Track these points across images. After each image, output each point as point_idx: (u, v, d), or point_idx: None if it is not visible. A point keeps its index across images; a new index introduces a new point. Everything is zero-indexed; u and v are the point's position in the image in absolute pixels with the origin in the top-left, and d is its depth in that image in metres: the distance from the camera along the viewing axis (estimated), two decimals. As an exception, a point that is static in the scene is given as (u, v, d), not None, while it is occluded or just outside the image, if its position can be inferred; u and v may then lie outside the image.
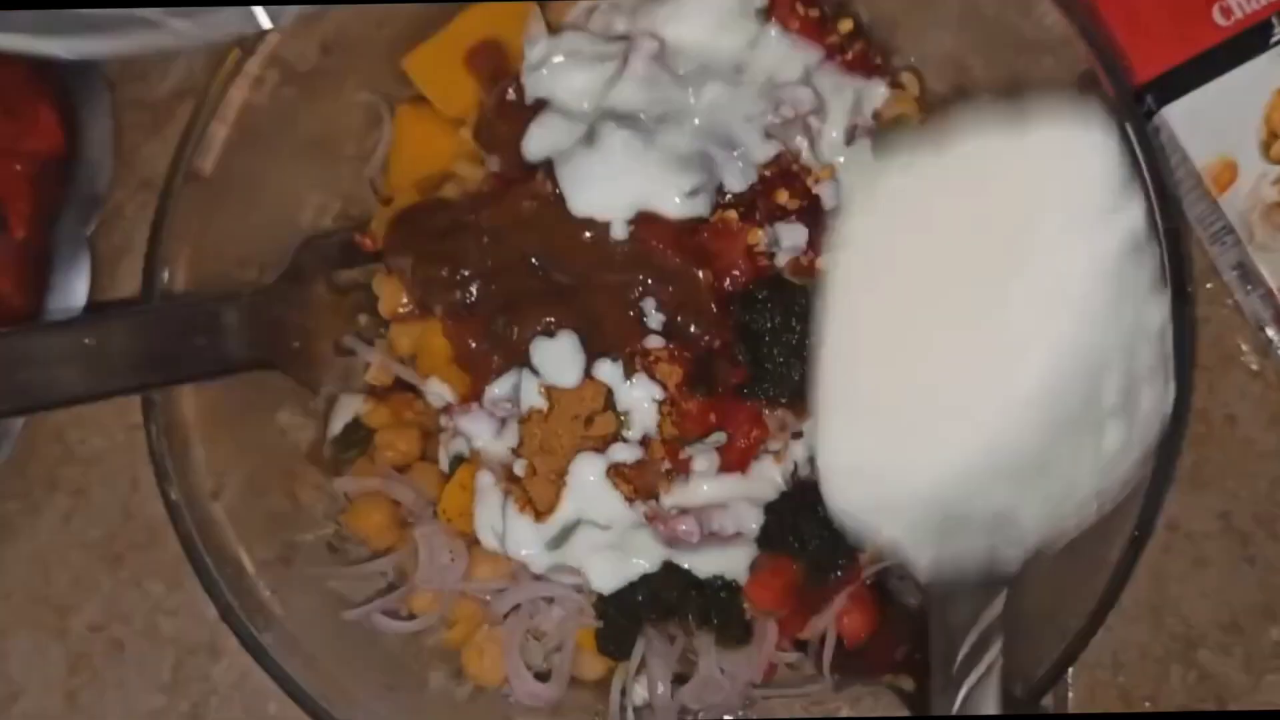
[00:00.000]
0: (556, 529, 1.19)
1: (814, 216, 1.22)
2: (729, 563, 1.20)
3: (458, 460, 1.26)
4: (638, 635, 1.23)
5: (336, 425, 1.32)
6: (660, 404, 1.17)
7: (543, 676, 1.27)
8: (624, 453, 1.17)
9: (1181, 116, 1.34)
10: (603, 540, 1.19)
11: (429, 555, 1.24)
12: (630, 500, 1.18)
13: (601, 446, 1.18)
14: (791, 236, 1.20)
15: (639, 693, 1.25)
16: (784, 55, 1.25)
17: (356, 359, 1.30)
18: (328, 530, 1.29)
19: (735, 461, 1.20)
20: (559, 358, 1.18)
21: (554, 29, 1.28)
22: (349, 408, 1.32)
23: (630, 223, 1.19)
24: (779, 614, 1.23)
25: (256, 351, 1.23)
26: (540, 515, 1.19)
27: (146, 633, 1.43)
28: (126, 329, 1.17)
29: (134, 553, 1.44)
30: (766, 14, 1.25)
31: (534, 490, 1.19)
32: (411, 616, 1.27)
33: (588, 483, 1.18)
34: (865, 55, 1.28)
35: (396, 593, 1.25)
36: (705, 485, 1.20)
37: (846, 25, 1.28)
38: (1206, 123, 1.34)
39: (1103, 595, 1.14)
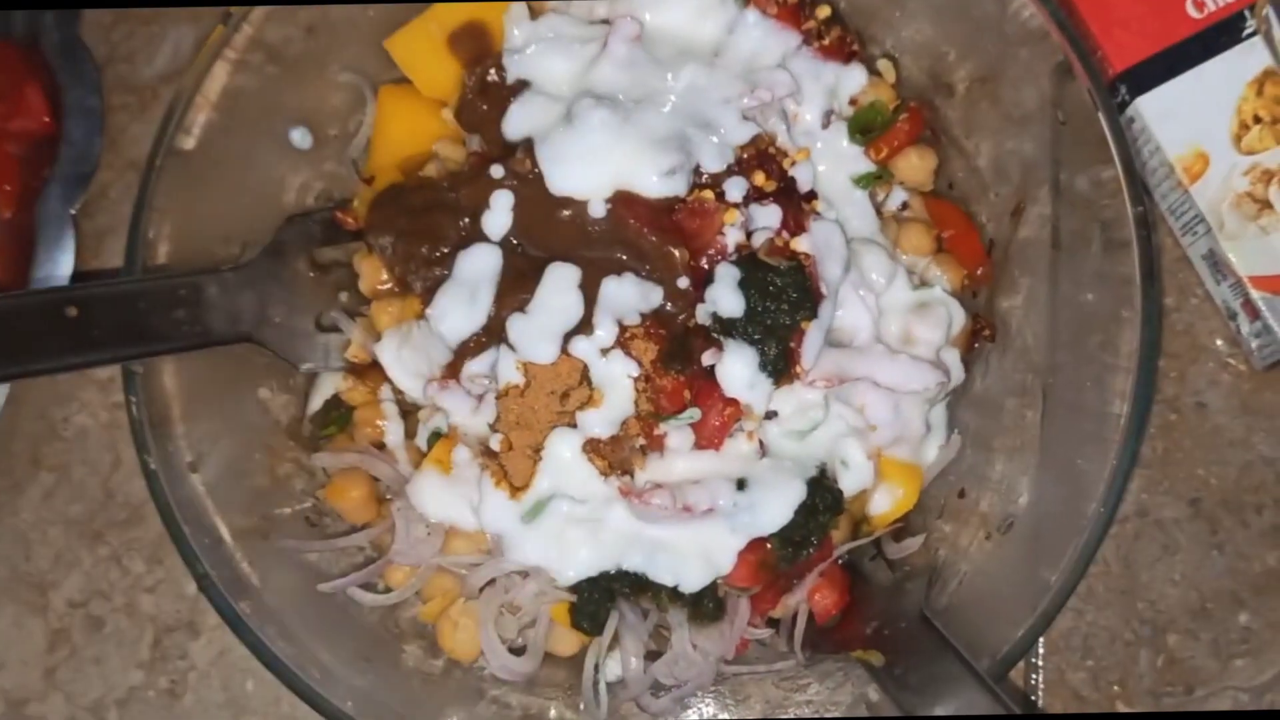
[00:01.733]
0: (531, 503, 1.20)
1: (789, 198, 1.23)
2: (703, 538, 1.21)
3: (435, 436, 1.27)
4: (611, 610, 1.23)
5: (316, 402, 1.34)
6: (636, 380, 1.18)
7: (517, 652, 1.28)
8: (599, 426, 1.18)
9: (1154, 108, 1.36)
10: (577, 514, 1.20)
11: (405, 529, 1.25)
12: (605, 475, 1.19)
13: (577, 421, 1.19)
14: (766, 217, 1.21)
15: (612, 668, 1.26)
16: (762, 40, 1.27)
17: (337, 336, 1.31)
18: (306, 505, 1.30)
19: (709, 439, 1.21)
20: (536, 333, 1.19)
21: (536, 12, 1.29)
22: (329, 385, 1.33)
23: (608, 201, 1.20)
24: (752, 590, 1.24)
25: (238, 325, 1.24)
26: (516, 490, 1.20)
27: (126, 610, 1.45)
28: (109, 300, 1.18)
29: (115, 530, 1.45)
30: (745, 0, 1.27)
31: (510, 465, 1.20)
32: (388, 590, 1.28)
33: (563, 458, 1.19)
34: (842, 42, 1.30)
35: (372, 566, 1.26)
36: (680, 462, 1.21)
37: (824, 11, 1.30)
38: (1179, 114, 1.36)
39: (1067, 578, 1.15)
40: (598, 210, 1.20)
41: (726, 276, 1.20)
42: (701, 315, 1.20)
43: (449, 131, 1.31)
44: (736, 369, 1.19)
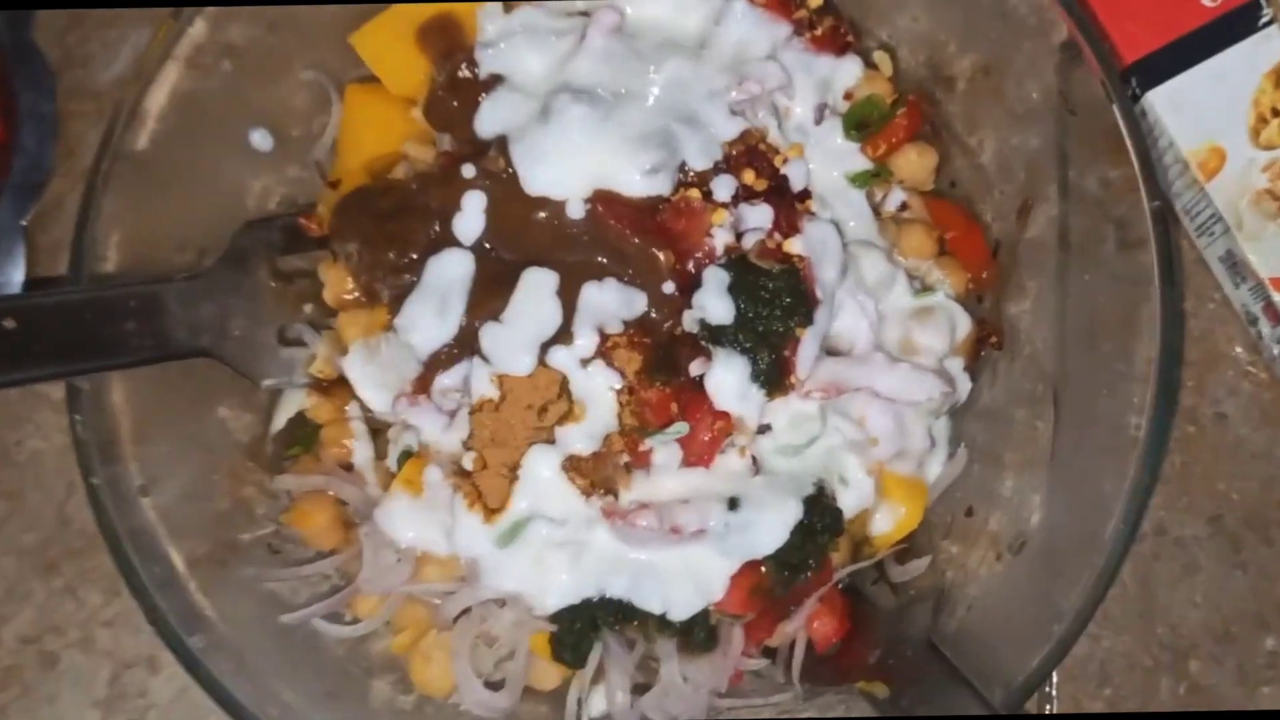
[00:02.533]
0: (507, 525, 1.12)
1: (781, 197, 1.16)
2: (692, 561, 1.13)
3: (406, 456, 1.19)
4: (594, 641, 1.15)
5: (279, 421, 1.26)
6: (619, 392, 1.10)
7: (495, 686, 1.19)
8: (579, 442, 1.11)
9: (1167, 101, 1.29)
10: (557, 537, 1.12)
11: (373, 555, 1.17)
12: (586, 495, 1.11)
13: (555, 437, 1.11)
14: (757, 218, 1.14)
15: (596, 703, 1.18)
16: (750, 30, 1.20)
17: (301, 350, 1.23)
18: (268, 530, 1.22)
19: (698, 455, 1.13)
20: (511, 344, 1.11)
21: (510, 4, 1.21)
22: (293, 402, 1.25)
23: (587, 201, 1.12)
24: (745, 617, 1.17)
25: (194, 338, 1.16)
26: (490, 512, 1.12)
27: (81, 645, 1.36)
28: (51, 311, 1.10)
29: (70, 560, 1.37)
30: (733, -11, 1.19)
31: (484, 485, 1.12)
32: (355, 621, 1.20)
33: (541, 477, 1.12)
34: (835, 32, 1.23)
35: (339, 595, 1.18)
36: (667, 480, 1.13)
37: (815, 0, 1.22)
38: (1193, 108, 1.29)
39: (1084, 602, 1.07)
40: (576, 211, 1.13)
41: (715, 281, 1.12)
42: (688, 322, 1.12)
43: (418, 131, 1.23)
44: (726, 380, 1.11)
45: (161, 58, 1.14)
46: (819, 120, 1.21)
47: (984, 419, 1.25)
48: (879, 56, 1.26)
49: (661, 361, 1.11)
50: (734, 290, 1.12)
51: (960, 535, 1.22)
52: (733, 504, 1.13)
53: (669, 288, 1.12)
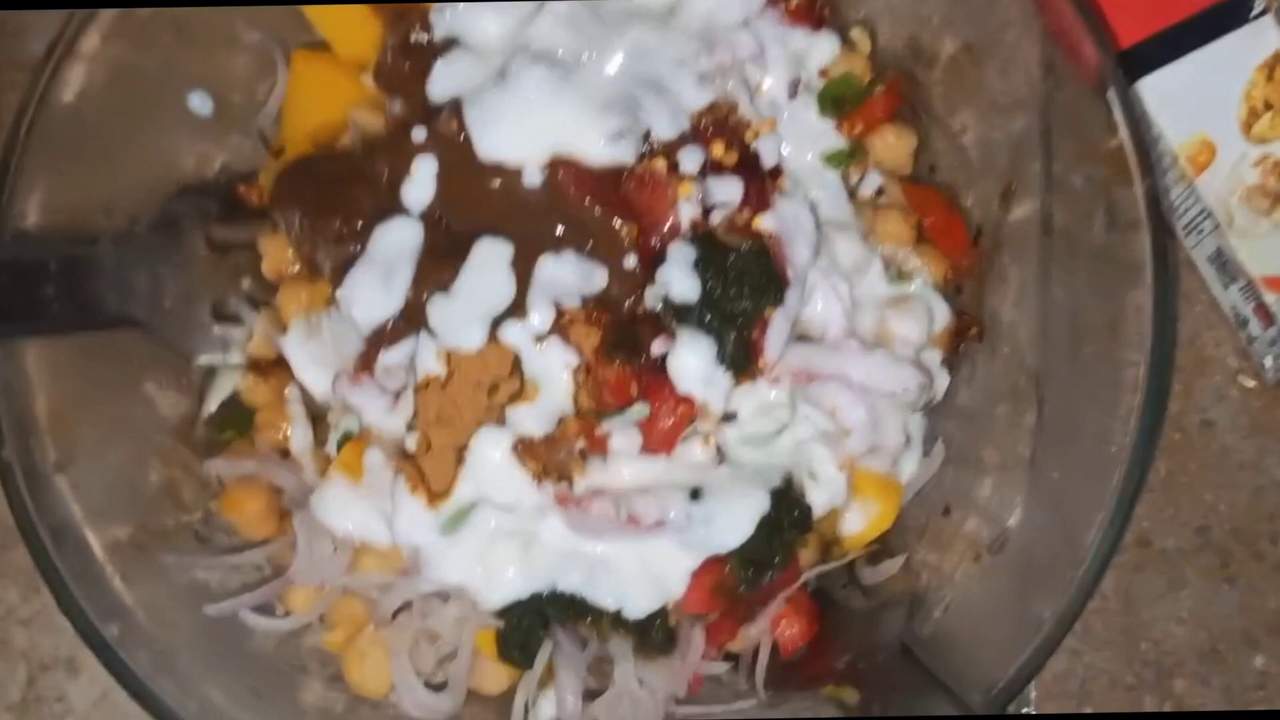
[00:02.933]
0: (452, 511, 1.04)
1: (751, 172, 1.09)
2: (650, 556, 1.05)
3: (346, 440, 1.11)
4: (544, 639, 1.07)
5: (212, 403, 1.18)
6: (575, 371, 1.03)
7: (436, 688, 1.11)
8: (531, 422, 1.03)
9: (1155, 92, 1.23)
10: (505, 526, 1.04)
11: (308, 545, 1.09)
12: (538, 480, 1.04)
13: (506, 418, 1.03)
14: (726, 192, 1.07)
15: (545, 708, 1.10)
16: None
17: (237, 328, 1.15)
18: (195, 516, 1.14)
19: (659, 442, 1.06)
20: (460, 317, 1.03)
21: (469, -33, 1.15)
22: (227, 383, 1.17)
23: (545, 168, 1.05)
24: (707, 618, 1.09)
25: (120, 308, 1.09)
26: (434, 496, 1.04)
27: (-4, 644, 1.27)
28: None
29: (-14, 555, 1.28)
30: (705, -44, 1.13)
31: (429, 467, 1.05)
32: (286, 615, 1.11)
33: (490, 459, 1.04)
34: (811, 5, 1.16)
35: (269, 585, 1.10)
36: (625, 468, 1.06)
37: (792, -30, 1.16)
38: (1182, 99, 1.23)
39: (1066, 606, 1.00)
40: (533, 179, 1.06)
41: (680, 256, 1.05)
42: (651, 300, 1.05)
43: (367, 98, 1.16)
44: (690, 361, 1.04)
45: (96, 4, 1.07)
46: (793, 95, 1.15)
47: (962, 417, 1.18)
48: (857, 33, 1.20)
49: (621, 340, 1.04)
50: (700, 266, 1.05)
51: (936, 536, 1.15)
52: (695, 494, 1.06)
53: (631, 262, 1.05)
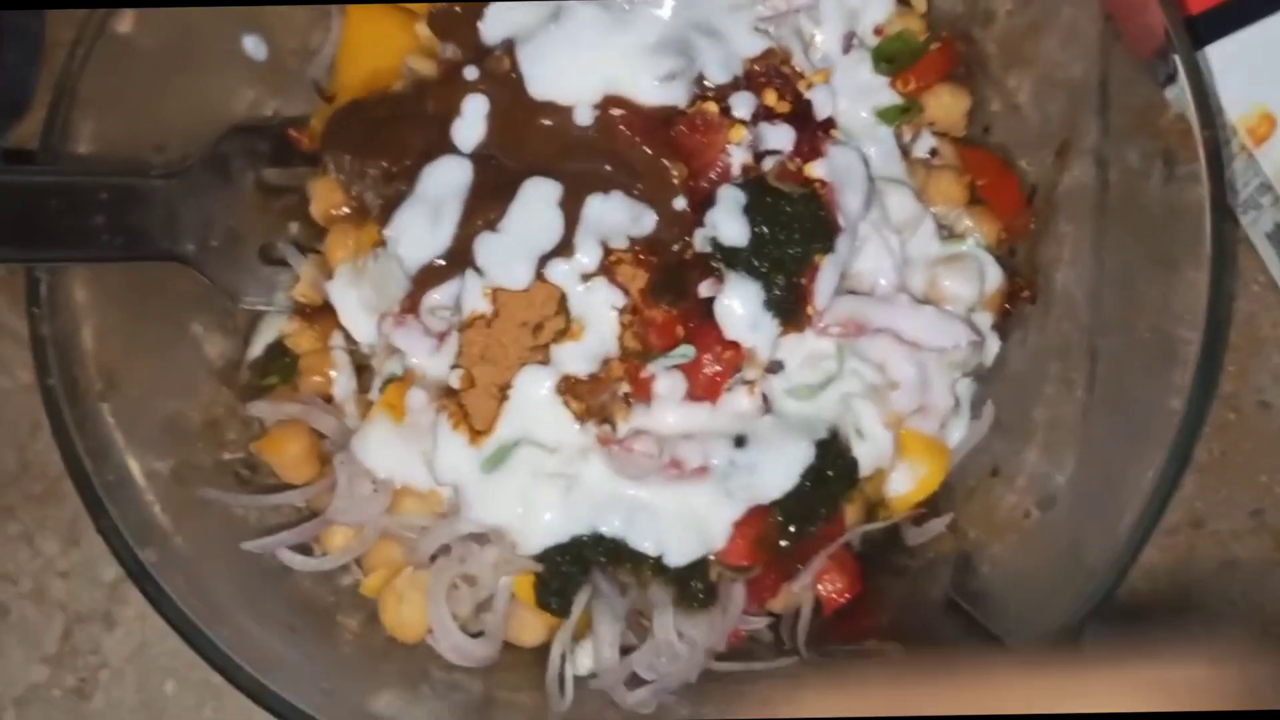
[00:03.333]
0: (494, 448, 1.03)
1: (804, 121, 1.08)
2: (692, 503, 1.03)
3: (390, 382, 1.10)
4: (582, 585, 1.06)
5: (257, 347, 1.17)
6: (620, 312, 1.02)
7: (474, 637, 1.09)
8: (576, 362, 1.02)
9: (1215, 63, 1.21)
10: (547, 466, 1.03)
11: (348, 485, 1.08)
12: (581, 420, 1.02)
13: (550, 357, 1.02)
14: (778, 139, 1.06)
15: (583, 660, 1.08)
16: (778, -54, 1.12)
17: (284, 272, 1.15)
18: (236, 456, 1.13)
19: (705, 389, 1.05)
20: (507, 255, 1.03)
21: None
22: (272, 328, 1.17)
23: (596, 107, 1.05)
24: (749, 572, 1.07)
25: (169, 243, 1.08)
26: (476, 434, 1.03)
27: (34, 596, 1.27)
28: (13, 191, 1.02)
29: (28, 506, 1.28)
30: (761, -96, 1.13)
31: (471, 404, 1.03)
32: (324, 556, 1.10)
33: (533, 397, 1.03)
34: (867, -41, 1.15)
35: (308, 524, 1.09)
36: (669, 414, 1.04)
37: (848, -75, 1.15)
38: (1242, 71, 1.21)
39: (1117, 554, 0.99)
40: (584, 118, 1.05)
41: (730, 200, 1.04)
42: (700, 242, 1.04)
43: (421, 47, 1.16)
44: (738, 305, 1.03)
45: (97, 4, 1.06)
46: (846, 50, 1.14)
47: (1013, 380, 1.16)
48: (914, -9, 1.19)
49: (669, 282, 1.03)
50: (750, 211, 1.04)
51: (985, 496, 1.13)
52: (739, 442, 1.04)
53: (680, 204, 1.04)
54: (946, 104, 1.17)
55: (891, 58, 1.15)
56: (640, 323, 1.03)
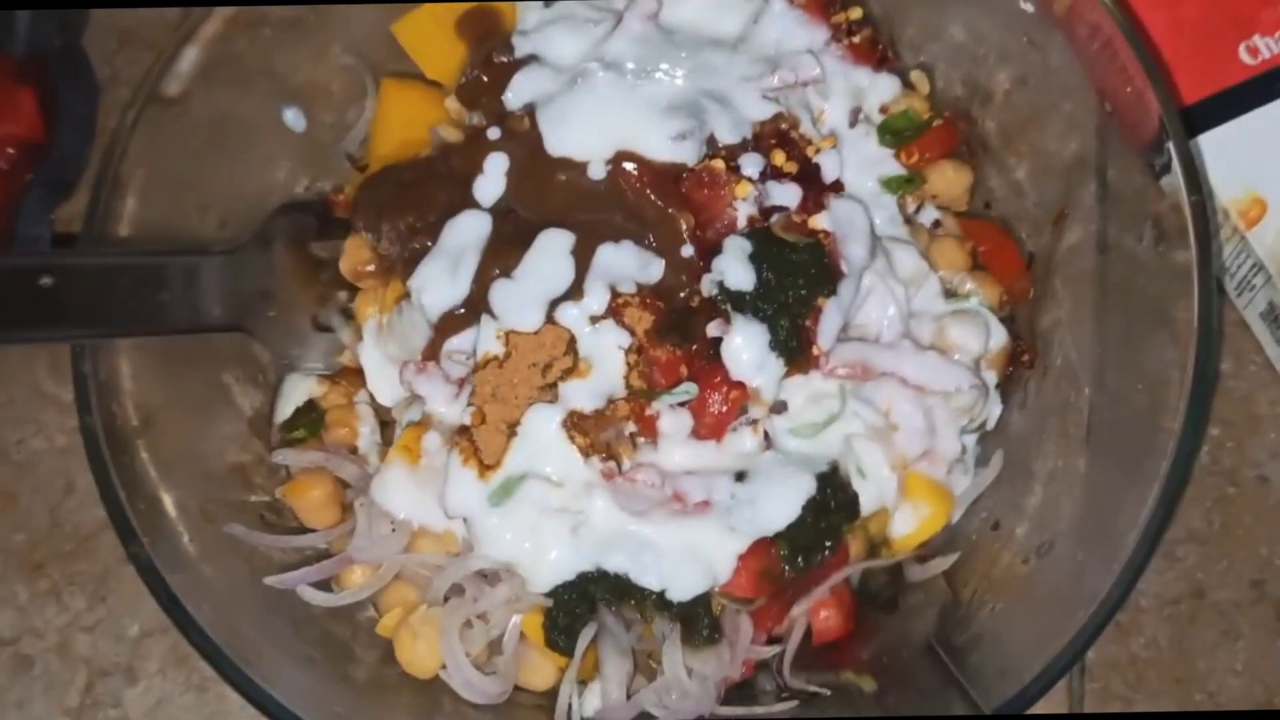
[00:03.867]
0: (501, 480, 1.07)
1: (810, 183, 1.14)
2: (696, 538, 1.07)
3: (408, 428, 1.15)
4: (589, 620, 1.09)
5: (285, 409, 1.22)
6: (627, 352, 1.07)
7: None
8: (583, 397, 1.06)
9: (1207, 151, 1.27)
10: (553, 501, 1.07)
11: (368, 525, 1.12)
12: (586, 455, 1.06)
13: (559, 395, 1.07)
14: (784, 196, 1.12)
15: (590, 701, 1.11)
16: (788, 30, 1.19)
17: (330, 337, 1.22)
18: (263, 499, 1.17)
19: (711, 428, 1.09)
20: (520, 299, 1.08)
21: (549, -1, 1.23)
22: (299, 388, 1.22)
23: (609, 162, 1.11)
24: (754, 604, 1.10)
25: (229, 315, 1.14)
26: (485, 469, 1.07)
27: (59, 650, 1.30)
28: (88, 273, 1.08)
29: (57, 563, 1.32)
30: (771, -11, 1.20)
31: (481, 440, 1.07)
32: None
33: (541, 432, 1.07)
34: (872, 44, 1.22)
35: (329, 561, 1.13)
36: (674, 452, 1.08)
37: (855, 12, 1.22)
38: (1234, 158, 1.27)
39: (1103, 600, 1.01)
40: (598, 172, 1.11)
41: (736, 248, 1.09)
42: (707, 286, 1.09)
43: (451, 118, 1.23)
44: (744, 345, 1.07)
45: (203, 17, 1.14)
46: (852, 124, 1.20)
47: (1014, 441, 1.19)
48: (916, 76, 1.26)
49: (674, 324, 1.08)
50: (756, 259, 1.09)
51: (985, 549, 1.16)
52: (740, 477, 1.08)
53: (688, 251, 1.09)
54: (950, 179, 1.23)
55: (896, 132, 1.21)
56: (645, 361, 1.07)
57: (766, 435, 1.10)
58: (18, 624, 1.30)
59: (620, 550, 1.08)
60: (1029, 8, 1.17)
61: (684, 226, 1.09)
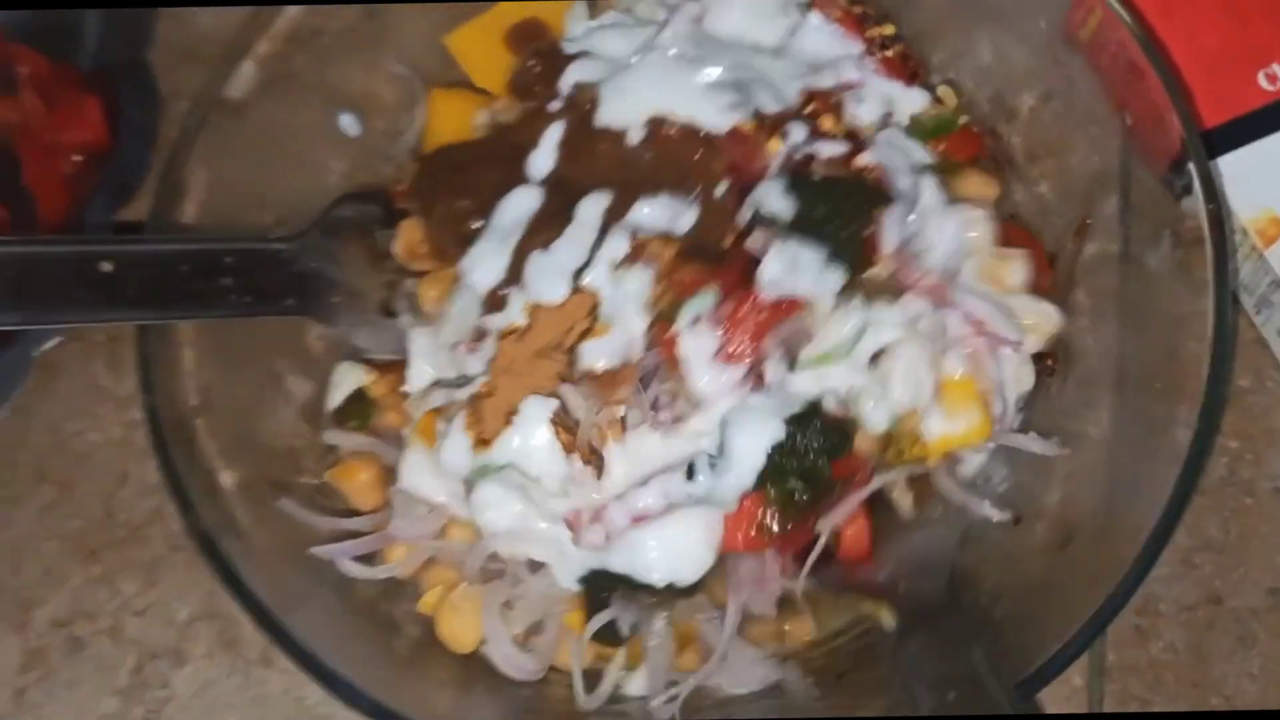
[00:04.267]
0: (483, 463, 1.11)
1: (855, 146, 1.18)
2: (675, 531, 1.09)
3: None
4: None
5: (336, 397, 1.26)
6: (653, 276, 1.10)
7: (523, 653, 1.17)
8: (600, 354, 1.09)
9: (1227, 171, 1.31)
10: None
11: (404, 508, 1.17)
12: (567, 452, 1.09)
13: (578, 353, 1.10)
14: (830, 149, 1.16)
15: (635, 682, 1.15)
16: (824, 42, 1.24)
17: (394, 324, 1.25)
18: (312, 482, 1.22)
19: (742, 337, 1.09)
20: (550, 271, 1.12)
21: (597, 11, 1.30)
22: (349, 377, 1.26)
23: (646, 125, 1.16)
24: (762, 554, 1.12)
25: (292, 299, 1.19)
26: (481, 442, 1.11)
27: (110, 632, 1.34)
28: (147, 260, 1.12)
29: (110, 549, 1.37)
30: (808, 5, 1.26)
31: (486, 412, 1.11)
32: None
33: (533, 421, 1.10)
34: (905, 59, 1.27)
35: (372, 536, 1.17)
36: (698, 375, 1.08)
37: (889, 29, 1.28)
38: (1252, 178, 1.31)
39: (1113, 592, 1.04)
40: (637, 136, 1.16)
41: (773, 183, 1.12)
42: (744, 216, 1.11)
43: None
44: (794, 259, 1.09)
45: (261, 30, 1.20)
46: (883, 127, 1.24)
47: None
48: (943, 91, 1.31)
49: (703, 247, 1.10)
50: (794, 189, 1.12)
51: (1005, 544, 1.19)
52: (690, 473, 1.09)
53: (722, 189, 1.13)
54: (977, 185, 1.26)
55: (926, 129, 1.25)
56: (671, 281, 1.09)
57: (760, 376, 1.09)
58: (71, 607, 1.35)
59: (615, 555, 1.10)
60: (1055, 33, 1.22)
61: (719, 166, 1.13)
